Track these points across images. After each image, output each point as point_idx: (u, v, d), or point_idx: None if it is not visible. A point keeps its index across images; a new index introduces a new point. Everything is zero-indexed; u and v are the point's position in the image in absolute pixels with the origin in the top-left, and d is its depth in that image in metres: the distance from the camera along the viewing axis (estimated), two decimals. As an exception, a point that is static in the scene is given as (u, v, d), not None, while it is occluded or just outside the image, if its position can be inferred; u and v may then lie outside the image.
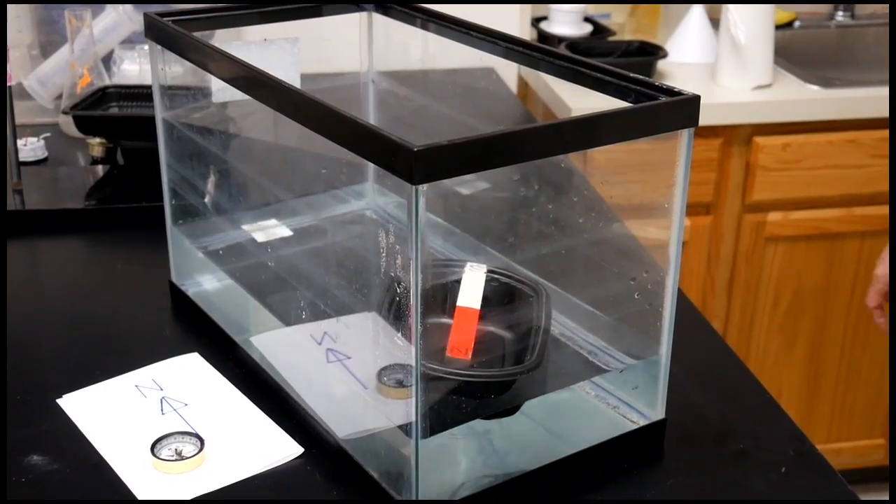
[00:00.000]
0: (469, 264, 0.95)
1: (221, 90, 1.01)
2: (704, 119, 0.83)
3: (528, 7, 2.22)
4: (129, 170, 1.55)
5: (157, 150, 1.13)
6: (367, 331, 0.90)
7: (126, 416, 0.97)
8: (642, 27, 2.38)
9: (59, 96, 1.71)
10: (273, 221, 1.15)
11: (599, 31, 2.29)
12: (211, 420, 0.96)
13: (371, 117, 1.29)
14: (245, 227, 1.14)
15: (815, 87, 2.07)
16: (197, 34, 1.02)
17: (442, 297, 0.96)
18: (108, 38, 1.75)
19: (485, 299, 0.93)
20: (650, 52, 2.14)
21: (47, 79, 1.76)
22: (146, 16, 1.07)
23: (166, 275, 1.18)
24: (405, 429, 0.80)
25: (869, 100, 2.03)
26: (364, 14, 1.22)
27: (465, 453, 0.88)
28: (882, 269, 1.62)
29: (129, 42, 1.78)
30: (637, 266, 0.94)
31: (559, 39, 2.20)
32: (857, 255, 2.13)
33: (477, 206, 1.14)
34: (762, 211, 2.08)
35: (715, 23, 2.20)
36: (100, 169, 1.55)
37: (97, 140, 1.56)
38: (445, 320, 0.92)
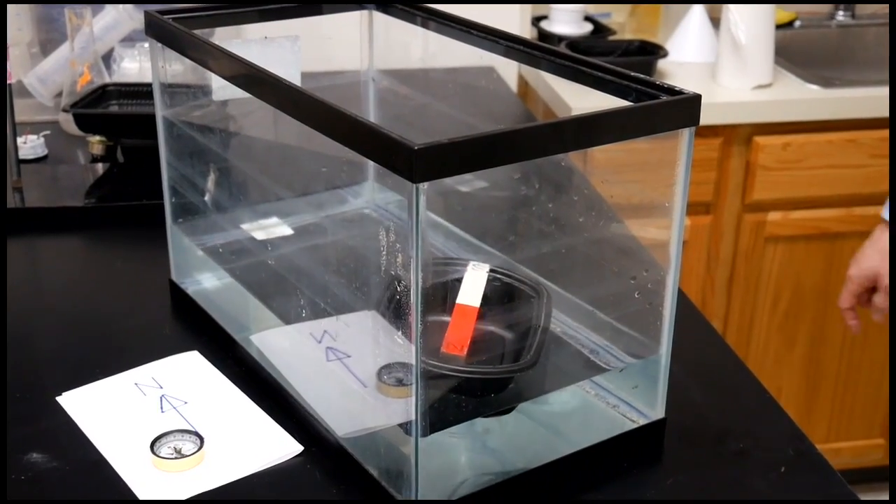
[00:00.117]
0: (472, 263, 0.95)
1: (222, 88, 1.01)
2: (704, 118, 0.83)
3: (528, 6, 2.22)
4: (129, 168, 1.55)
5: (157, 148, 1.13)
6: (367, 329, 0.90)
7: (126, 414, 0.97)
8: (643, 26, 2.38)
9: (59, 94, 1.71)
10: (273, 220, 1.15)
11: (600, 30, 2.29)
12: (210, 418, 0.96)
13: (371, 116, 1.29)
14: (245, 225, 1.13)
15: (815, 87, 2.07)
16: (197, 32, 1.02)
17: (442, 295, 0.96)
18: (108, 36, 1.75)
19: (486, 298, 0.93)
20: (650, 52, 2.14)
21: (47, 77, 1.76)
22: (146, 14, 1.07)
23: (166, 273, 1.18)
24: (405, 427, 0.80)
25: (869, 99, 2.03)
26: (364, 12, 1.22)
27: (464, 452, 0.88)
28: (855, 269, 1.62)
29: (129, 40, 1.78)
30: (637, 265, 0.94)
31: (559, 38, 2.20)
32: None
33: (477, 204, 1.14)
34: (762, 210, 2.08)
35: (715, 22, 2.20)
36: (100, 167, 1.55)
37: (97, 138, 1.56)
38: (445, 319, 0.92)
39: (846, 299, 1.65)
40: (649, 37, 2.29)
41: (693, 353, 1.07)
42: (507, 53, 0.99)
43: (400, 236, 0.76)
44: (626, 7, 2.39)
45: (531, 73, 2.18)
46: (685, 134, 0.83)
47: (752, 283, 2.13)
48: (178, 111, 1.11)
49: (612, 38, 2.26)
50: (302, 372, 0.97)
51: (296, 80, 1.06)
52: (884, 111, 2.01)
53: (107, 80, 1.69)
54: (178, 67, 1.08)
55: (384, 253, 0.79)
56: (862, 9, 2.54)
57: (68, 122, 1.62)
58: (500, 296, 0.99)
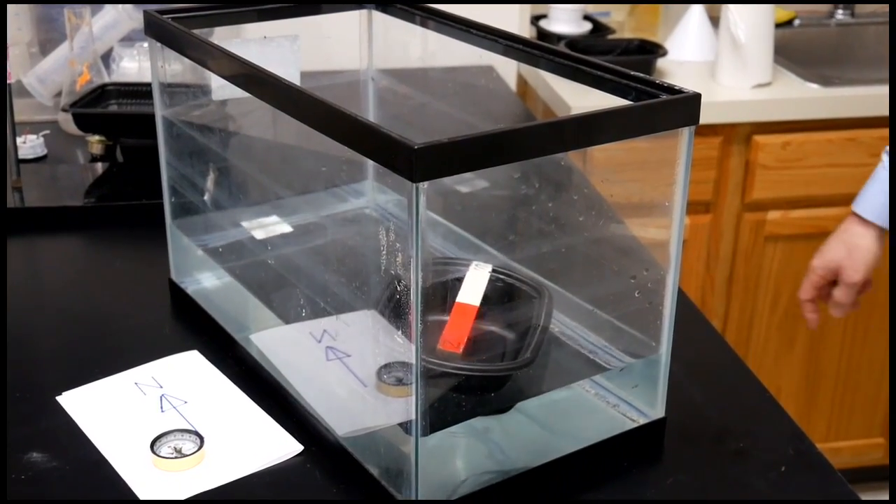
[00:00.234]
0: (475, 263, 0.95)
1: (221, 88, 1.01)
2: (704, 117, 0.83)
3: (527, 5, 2.22)
4: (129, 167, 1.55)
5: (156, 147, 1.13)
6: (367, 329, 0.90)
7: (126, 414, 0.96)
8: (642, 25, 2.38)
9: (59, 94, 1.71)
10: (273, 219, 1.15)
11: (599, 29, 2.29)
12: (210, 418, 0.96)
13: (371, 115, 1.29)
14: (245, 224, 1.13)
15: (814, 86, 2.07)
16: (196, 32, 1.02)
17: (442, 295, 0.96)
18: (108, 36, 1.75)
19: (487, 298, 0.93)
20: (650, 51, 2.14)
21: (47, 76, 1.76)
22: (146, 13, 1.07)
23: (166, 272, 1.18)
24: (405, 427, 0.80)
25: (869, 98, 2.03)
26: (364, 12, 1.22)
27: (464, 451, 0.88)
28: (818, 260, 1.56)
29: (128, 39, 1.78)
30: (637, 264, 0.94)
31: (559, 37, 2.20)
32: (856, 254, 2.13)
33: (477, 204, 1.14)
34: (761, 209, 2.08)
35: (715, 21, 2.20)
36: (99, 166, 1.55)
37: (97, 137, 1.56)
38: (445, 318, 0.92)
39: (806, 291, 1.59)
40: (649, 36, 2.29)
41: (693, 352, 1.07)
42: (507, 52, 0.99)
43: (400, 236, 0.76)
44: (626, 6, 2.39)
45: (530, 72, 2.18)
46: (685, 133, 0.83)
47: (752, 282, 2.13)
48: (177, 111, 1.11)
49: (611, 36, 2.26)
50: (302, 371, 0.97)
51: (295, 79, 1.06)
52: (883, 110, 2.01)
53: (106, 79, 1.69)
54: (177, 67, 1.08)
55: (384, 252, 0.79)
56: (862, 7, 2.54)
57: (68, 122, 1.62)
58: (502, 295, 0.99)
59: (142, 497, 0.86)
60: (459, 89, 1.28)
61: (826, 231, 2.09)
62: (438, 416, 0.82)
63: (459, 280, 0.96)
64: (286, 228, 1.15)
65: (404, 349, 0.77)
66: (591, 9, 2.35)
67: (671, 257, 0.88)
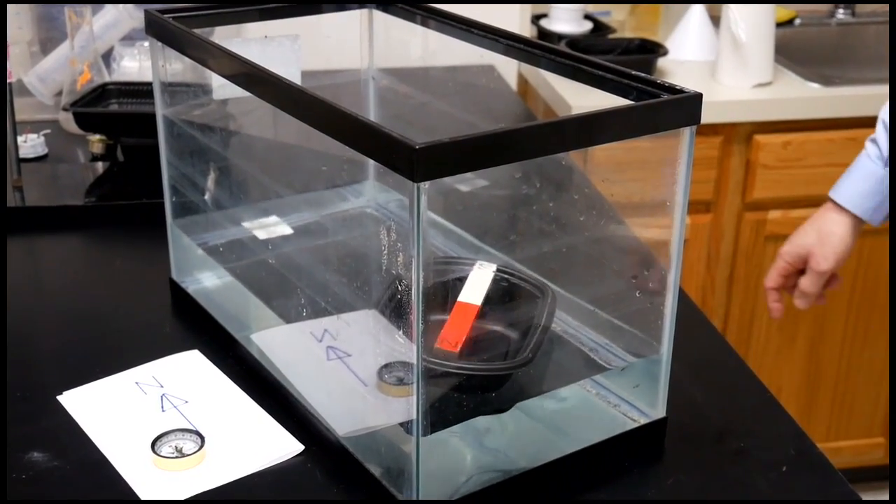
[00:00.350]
0: (479, 262, 0.95)
1: (222, 87, 1.01)
2: (705, 117, 0.83)
3: (528, 5, 2.22)
4: (129, 166, 1.55)
5: (157, 146, 1.13)
6: (368, 328, 0.90)
7: (126, 414, 0.96)
8: (643, 25, 2.38)
9: (59, 93, 1.71)
10: (273, 219, 1.15)
11: (600, 28, 2.29)
12: (211, 417, 0.96)
13: (371, 114, 1.29)
14: (245, 224, 1.13)
15: (815, 85, 2.07)
16: (197, 31, 1.02)
17: (443, 294, 0.96)
18: (108, 35, 1.75)
19: (490, 297, 0.93)
20: (650, 50, 2.14)
21: (47, 75, 1.76)
22: (147, 12, 1.07)
23: (166, 272, 1.18)
24: (406, 426, 0.80)
25: (869, 98, 2.03)
26: (364, 11, 1.22)
27: (466, 451, 0.88)
28: (787, 246, 1.48)
29: (129, 39, 1.78)
30: (638, 264, 0.94)
31: (559, 37, 2.20)
32: (856, 254, 2.13)
33: (478, 203, 1.14)
34: (762, 209, 2.08)
35: (715, 20, 2.20)
36: (100, 166, 1.55)
37: (97, 137, 1.56)
38: (446, 318, 0.92)
39: (772, 278, 1.51)
40: (649, 35, 2.29)
41: (694, 352, 1.07)
42: (507, 52, 0.99)
43: (401, 235, 0.76)
44: (626, 5, 2.39)
45: (531, 71, 2.18)
46: (686, 133, 0.83)
47: (753, 281, 2.13)
48: (178, 110, 1.11)
49: (612, 36, 2.26)
50: (302, 371, 0.97)
51: (296, 78, 1.06)
52: (884, 110, 2.01)
53: (107, 78, 1.69)
54: (178, 66, 1.08)
55: (385, 252, 0.79)
56: (862, 7, 2.54)
57: (68, 121, 1.62)
58: (504, 295, 0.99)
59: (142, 497, 0.86)
60: (460, 89, 1.28)
61: (827, 231, 2.10)
62: (439, 415, 0.82)
63: (461, 280, 0.96)
64: (287, 228, 1.15)
65: (405, 349, 0.77)
66: (591, 8, 2.35)
67: (672, 257, 0.88)
